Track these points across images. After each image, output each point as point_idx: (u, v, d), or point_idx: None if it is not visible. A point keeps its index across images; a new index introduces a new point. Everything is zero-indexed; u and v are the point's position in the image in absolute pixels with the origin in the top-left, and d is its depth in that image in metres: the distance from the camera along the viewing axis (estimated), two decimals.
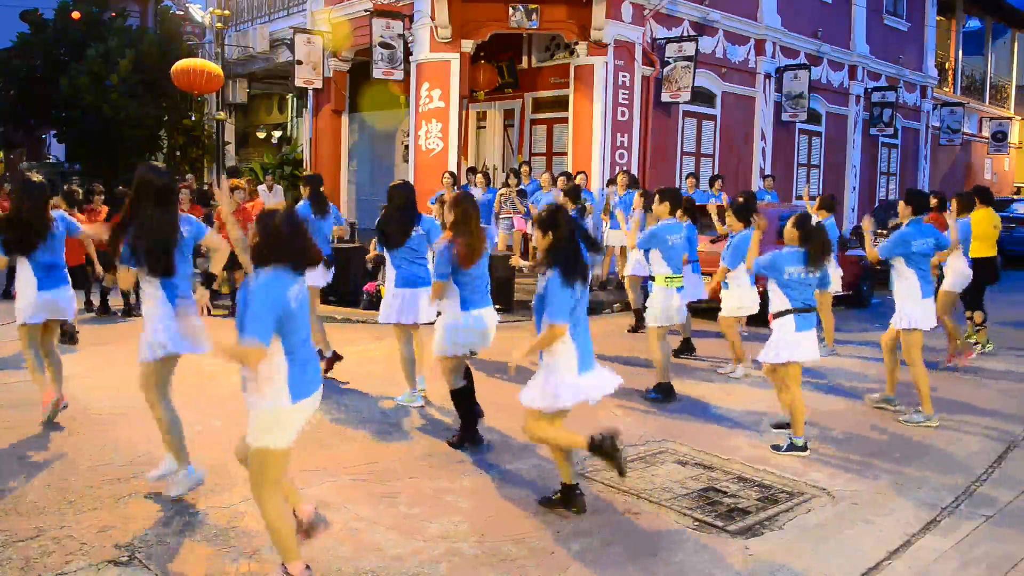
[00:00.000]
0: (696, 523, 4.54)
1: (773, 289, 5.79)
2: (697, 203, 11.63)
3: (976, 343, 9.45)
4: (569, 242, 4.41)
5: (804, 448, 5.72)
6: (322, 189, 7.89)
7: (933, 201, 11.16)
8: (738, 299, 7.94)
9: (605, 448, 4.38)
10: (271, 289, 3.45)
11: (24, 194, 5.73)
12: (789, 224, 5.82)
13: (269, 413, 3.52)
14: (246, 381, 3.55)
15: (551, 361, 4.41)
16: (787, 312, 5.72)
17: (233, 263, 10.46)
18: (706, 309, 9.32)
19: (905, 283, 6.67)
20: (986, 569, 4.13)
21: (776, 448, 5.77)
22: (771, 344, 5.82)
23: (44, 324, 5.95)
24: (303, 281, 3.67)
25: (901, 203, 6.92)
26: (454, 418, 5.97)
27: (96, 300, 10.60)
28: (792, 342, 5.72)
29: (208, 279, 4.73)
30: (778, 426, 6.17)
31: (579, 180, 12.01)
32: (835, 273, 9.02)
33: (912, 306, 6.62)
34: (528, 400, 4.47)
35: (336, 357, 7.52)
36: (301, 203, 7.71)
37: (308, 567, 3.61)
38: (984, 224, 9.04)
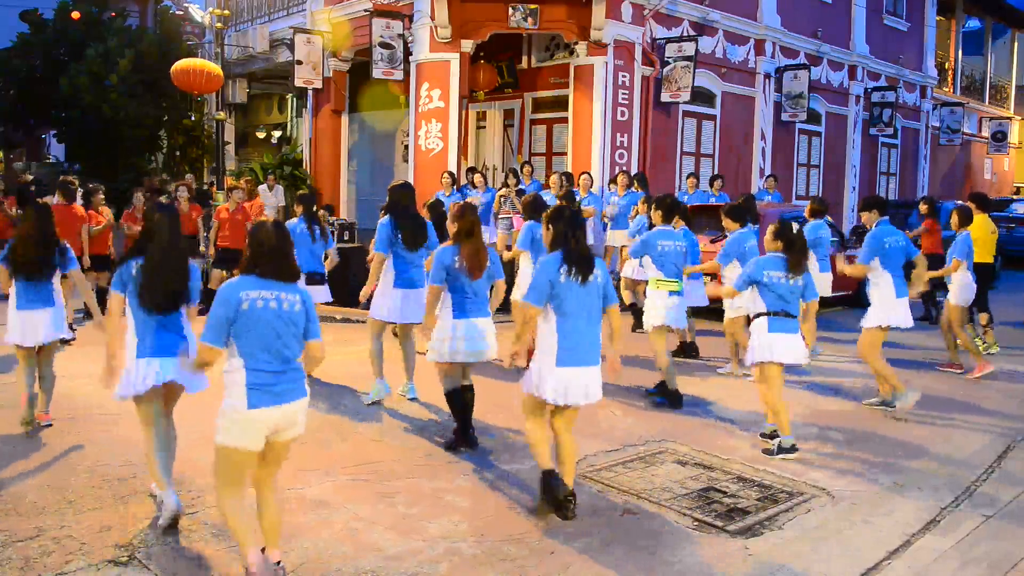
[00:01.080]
0: (696, 523, 4.54)
1: (755, 293, 5.86)
2: (697, 204, 11.72)
3: (986, 345, 9.47)
4: (568, 234, 4.51)
5: (792, 449, 5.71)
6: (319, 200, 7.84)
7: (923, 207, 11.18)
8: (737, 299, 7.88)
9: (550, 491, 4.55)
10: (223, 293, 3.60)
11: (40, 218, 5.84)
12: (769, 234, 5.86)
13: (226, 413, 3.61)
14: None
15: (539, 348, 4.57)
16: (761, 315, 5.80)
17: (234, 264, 10.52)
18: (709, 310, 9.31)
19: (880, 284, 6.89)
20: (986, 569, 4.13)
21: (768, 452, 5.76)
22: (750, 346, 5.92)
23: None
24: (282, 291, 3.67)
25: (865, 213, 7.13)
26: (450, 418, 5.98)
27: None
28: (766, 344, 5.76)
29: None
30: (764, 435, 6.05)
31: (583, 180, 11.97)
32: (824, 277, 9.02)
33: (887, 305, 6.84)
34: (522, 383, 4.69)
35: None
36: (296, 220, 7.56)
37: (263, 550, 3.70)
38: (982, 230, 9.04)
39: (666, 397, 7.00)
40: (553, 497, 4.54)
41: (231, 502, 3.68)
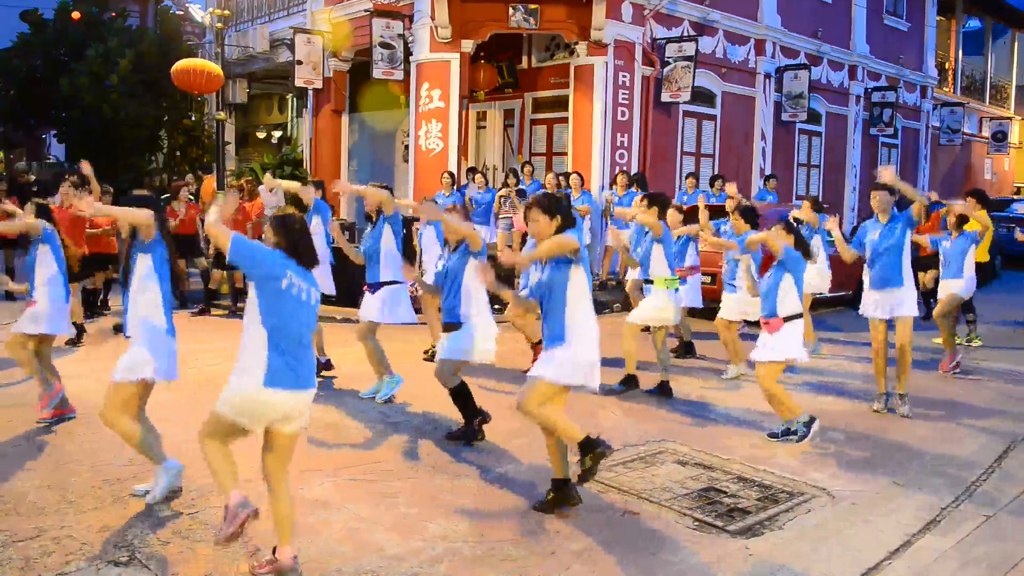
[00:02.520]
0: (696, 523, 4.54)
1: (789, 292, 5.87)
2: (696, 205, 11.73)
3: (969, 343, 9.49)
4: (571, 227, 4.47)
5: (809, 425, 5.85)
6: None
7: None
8: (740, 302, 7.86)
9: (597, 451, 4.36)
10: (273, 257, 3.69)
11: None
12: (781, 230, 5.94)
13: (240, 390, 3.62)
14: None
15: (580, 332, 4.38)
16: (798, 316, 5.89)
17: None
18: (705, 309, 9.34)
19: (908, 272, 6.74)
20: (986, 569, 4.13)
21: (776, 436, 5.96)
22: (775, 345, 5.88)
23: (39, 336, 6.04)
24: (310, 285, 3.76)
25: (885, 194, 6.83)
26: (452, 420, 5.98)
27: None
28: (797, 343, 5.89)
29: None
30: (773, 435, 6.08)
31: (573, 180, 11.98)
32: (825, 275, 9.07)
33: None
34: (538, 372, 4.40)
35: (327, 366, 7.55)
36: (318, 202, 7.71)
37: (245, 500, 3.69)
38: (978, 227, 9.03)
39: (625, 384, 7.16)
40: (601, 453, 4.36)
41: (214, 450, 3.71)
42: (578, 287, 4.38)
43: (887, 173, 6.52)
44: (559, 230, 4.35)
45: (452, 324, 5.73)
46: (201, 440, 3.73)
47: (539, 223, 4.37)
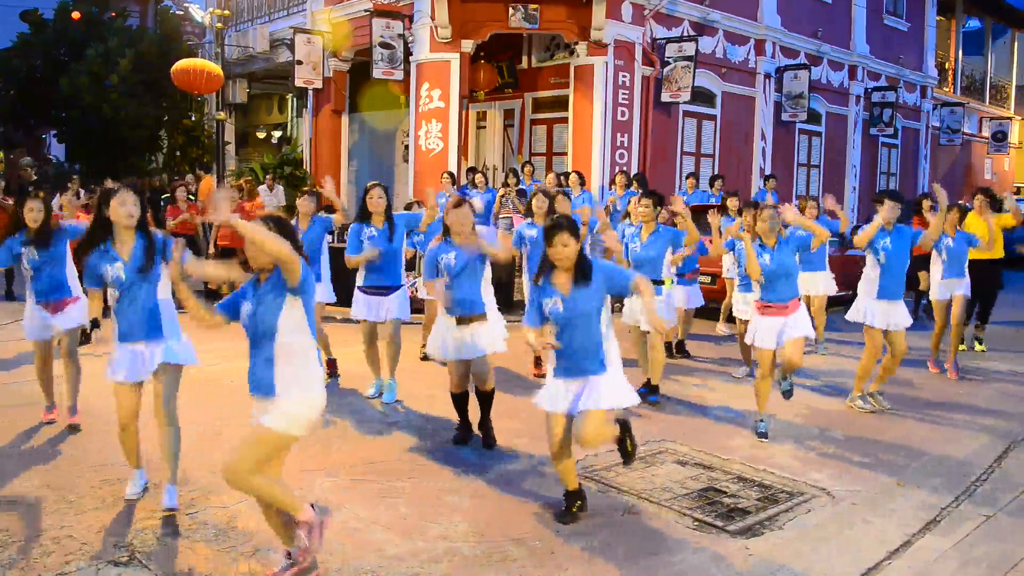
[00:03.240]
0: (696, 523, 4.54)
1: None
2: (697, 204, 11.74)
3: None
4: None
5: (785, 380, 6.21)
6: (319, 201, 7.99)
7: (927, 204, 11.16)
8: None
9: (631, 431, 4.55)
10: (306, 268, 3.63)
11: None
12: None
13: (319, 406, 3.62)
14: (274, 370, 3.54)
15: (610, 355, 4.40)
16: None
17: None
18: (704, 310, 9.36)
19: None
20: (986, 569, 4.13)
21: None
22: (801, 322, 6.08)
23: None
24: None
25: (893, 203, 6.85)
26: (452, 419, 5.98)
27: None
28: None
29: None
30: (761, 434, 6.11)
31: (573, 180, 11.97)
32: (830, 276, 9.12)
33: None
34: (600, 404, 4.28)
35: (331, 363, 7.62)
36: (322, 217, 7.66)
37: (312, 506, 3.64)
38: (982, 227, 9.01)
39: (657, 392, 7.08)
40: (630, 429, 4.56)
41: (262, 479, 3.54)
42: (607, 309, 4.43)
43: (942, 194, 6.92)
44: (581, 250, 4.34)
45: (476, 316, 5.63)
46: (249, 481, 3.51)
47: (570, 247, 4.25)
